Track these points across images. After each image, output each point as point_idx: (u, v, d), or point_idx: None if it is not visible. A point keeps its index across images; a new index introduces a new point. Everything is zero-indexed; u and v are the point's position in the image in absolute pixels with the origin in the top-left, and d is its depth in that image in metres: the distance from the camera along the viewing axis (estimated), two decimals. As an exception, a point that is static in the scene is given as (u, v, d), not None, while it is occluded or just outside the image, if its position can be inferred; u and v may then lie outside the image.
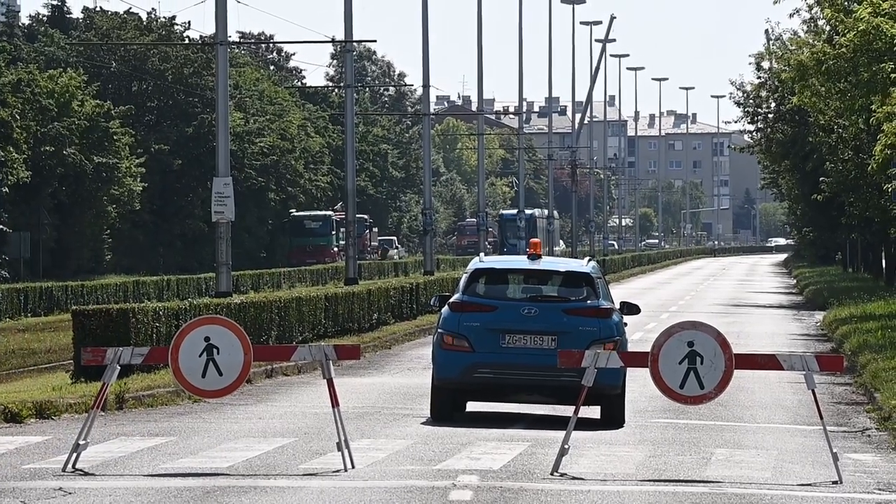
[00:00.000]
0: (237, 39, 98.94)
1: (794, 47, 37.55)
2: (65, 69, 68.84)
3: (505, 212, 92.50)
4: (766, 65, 49.55)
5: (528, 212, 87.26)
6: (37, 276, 59.36)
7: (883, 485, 12.94)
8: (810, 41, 34.74)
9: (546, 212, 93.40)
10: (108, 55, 76.50)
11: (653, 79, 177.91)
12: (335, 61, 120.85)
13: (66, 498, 11.49)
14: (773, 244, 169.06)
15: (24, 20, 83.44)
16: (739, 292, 61.17)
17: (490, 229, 69.77)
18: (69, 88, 65.89)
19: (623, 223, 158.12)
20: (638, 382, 19.52)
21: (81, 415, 17.14)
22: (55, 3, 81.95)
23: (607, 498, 11.85)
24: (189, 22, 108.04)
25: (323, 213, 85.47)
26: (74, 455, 13.00)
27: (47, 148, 63.88)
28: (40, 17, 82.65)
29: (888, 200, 32.53)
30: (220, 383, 13.26)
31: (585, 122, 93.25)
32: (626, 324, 17.32)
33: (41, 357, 30.06)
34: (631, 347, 18.03)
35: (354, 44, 42.09)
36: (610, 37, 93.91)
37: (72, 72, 67.83)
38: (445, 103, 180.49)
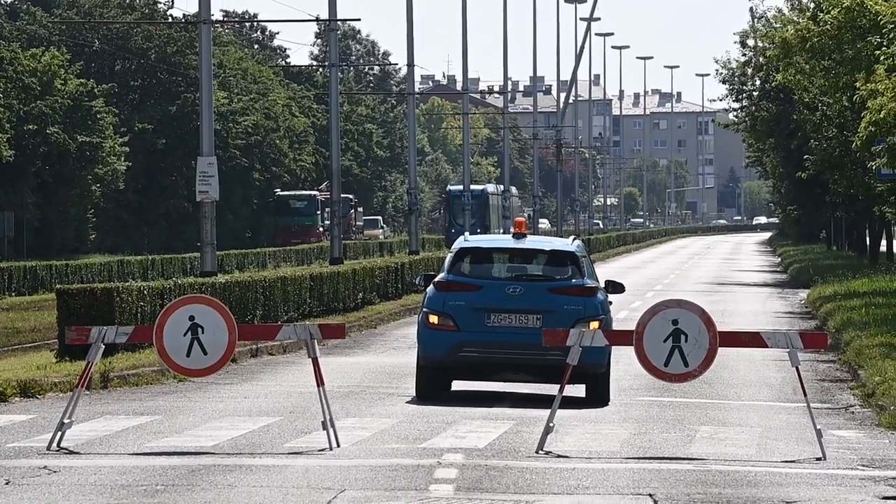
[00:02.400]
0: (221, 18, 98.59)
1: (778, 25, 37.57)
2: (47, 48, 68.59)
3: (453, 187, 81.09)
4: (750, 43, 49.54)
5: (478, 187, 77.51)
6: (21, 256, 59.21)
7: (866, 461, 12.99)
8: (795, 18, 34.74)
9: (502, 187, 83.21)
10: (91, 34, 76.22)
11: (637, 57, 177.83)
12: (319, 40, 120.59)
13: (51, 476, 11.49)
14: (755, 222, 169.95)
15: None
16: (724, 271, 61.29)
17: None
18: (52, 67, 65.65)
19: (608, 202, 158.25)
20: (623, 361, 19.55)
21: (66, 394, 17.13)
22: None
23: (592, 475, 11.88)
24: (172, 0, 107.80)
25: (308, 192, 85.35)
26: (59, 434, 13.00)
27: (30, 127, 63.66)
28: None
29: (872, 178, 32.60)
30: (204, 362, 13.25)
31: (570, 101, 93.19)
32: (611, 302, 17.35)
33: (25, 336, 30.01)
34: (616, 326, 18.06)
35: (339, 23, 41.97)
36: (595, 15, 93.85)
37: (54, 50, 67.58)
38: (430, 82, 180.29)
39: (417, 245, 52.58)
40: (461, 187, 74.98)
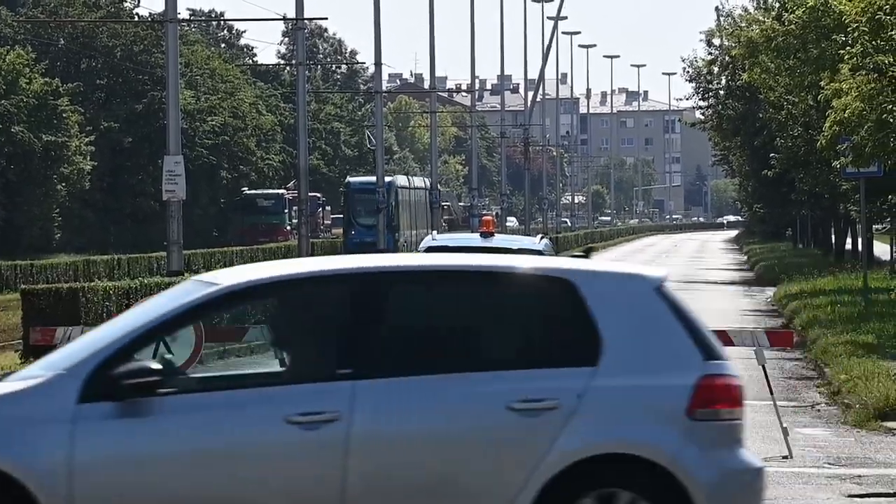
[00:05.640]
0: (187, 17, 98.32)
1: (744, 24, 37.71)
2: (12, 46, 68.23)
3: (353, 179, 65.13)
4: (716, 42, 49.72)
5: (385, 179, 60.15)
6: (-14, 256, 58.84)
7: (832, 459, 13.03)
8: (760, 18, 34.87)
9: (416, 180, 68.39)
10: (57, 32, 75.88)
11: (604, 56, 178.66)
12: (286, 39, 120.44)
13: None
14: (723, 220, 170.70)
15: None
16: (691, 269, 61.47)
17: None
18: (16, 66, 65.30)
19: (576, 200, 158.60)
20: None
21: (31, 395, 16.98)
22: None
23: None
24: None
25: (275, 191, 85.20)
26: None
27: (-5, 126, 63.31)
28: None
29: (837, 176, 32.73)
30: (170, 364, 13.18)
31: (538, 99, 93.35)
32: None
33: (-10, 337, 29.76)
34: (583, 324, 18.03)
35: (306, 21, 41.93)
36: (562, 14, 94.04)
37: (19, 49, 67.23)
38: (398, 81, 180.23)
39: (385, 244, 52.57)
40: (364, 179, 62.14)
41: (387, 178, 60.57)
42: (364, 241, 57.43)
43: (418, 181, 67.36)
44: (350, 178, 66.27)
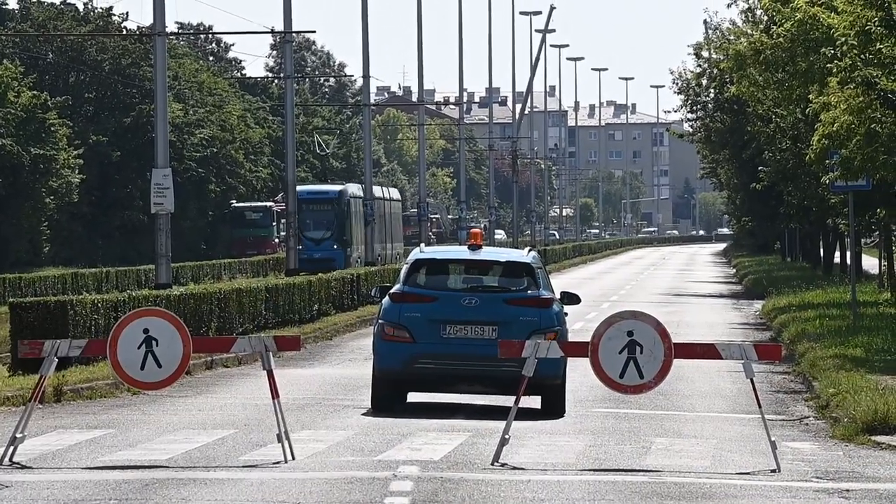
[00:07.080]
0: (175, 30, 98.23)
1: (732, 37, 37.81)
2: (0, 60, 68.15)
3: (301, 188, 54.92)
4: (705, 54, 49.83)
5: (334, 188, 56.35)
6: (-27, 269, 58.69)
7: (820, 473, 13.05)
8: (748, 31, 34.96)
9: (376, 189, 59.93)
10: (45, 46, 75.81)
11: (592, 69, 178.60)
12: (275, 52, 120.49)
13: (3, 492, 11.40)
14: (709, 234, 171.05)
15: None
16: (679, 282, 61.55)
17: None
18: (5, 79, 65.24)
19: (564, 213, 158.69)
20: (578, 372, 19.58)
21: (19, 408, 16.99)
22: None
23: (547, 487, 11.88)
24: (127, 13, 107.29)
25: (263, 204, 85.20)
26: (11, 448, 12.90)
27: (-17, 139, 63.18)
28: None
29: (825, 190, 32.81)
30: (159, 375, 13.19)
31: (526, 112, 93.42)
32: (566, 314, 17.38)
33: (-22, 350, 29.70)
34: (571, 337, 18.09)
35: (294, 34, 41.94)
36: (549, 27, 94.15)
37: (7, 63, 67.17)
38: (386, 94, 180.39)
39: (374, 256, 52.55)
40: (314, 188, 57.01)
41: (336, 187, 56.78)
42: (313, 257, 53.29)
43: (378, 191, 60.23)
44: (298, 187, 62.26)
